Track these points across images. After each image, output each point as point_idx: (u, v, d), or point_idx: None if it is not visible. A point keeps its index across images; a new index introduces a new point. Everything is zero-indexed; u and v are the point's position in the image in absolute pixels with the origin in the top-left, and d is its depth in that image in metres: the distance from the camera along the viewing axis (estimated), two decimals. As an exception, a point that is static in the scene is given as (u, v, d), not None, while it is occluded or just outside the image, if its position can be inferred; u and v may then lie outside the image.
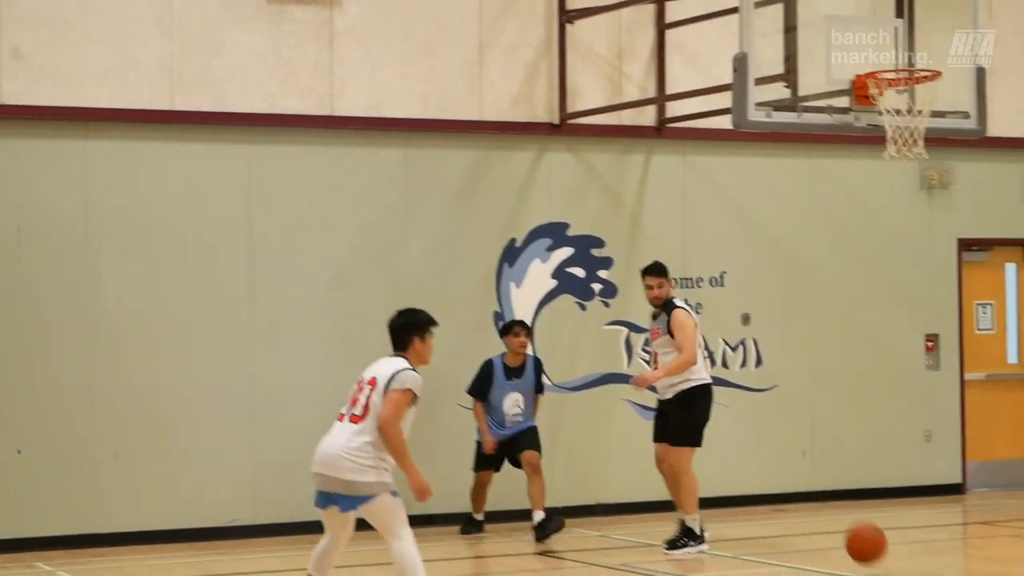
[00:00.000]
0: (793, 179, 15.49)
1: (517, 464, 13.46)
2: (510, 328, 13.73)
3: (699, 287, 15.10)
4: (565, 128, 14.55)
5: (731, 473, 15.16)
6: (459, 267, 14.31)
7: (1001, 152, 16.11)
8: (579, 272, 14.77)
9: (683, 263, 15.03)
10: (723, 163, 15.20)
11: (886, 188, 15.77)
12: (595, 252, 14.80)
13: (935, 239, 15.98)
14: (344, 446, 8.72)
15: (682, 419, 12.18)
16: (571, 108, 14.49)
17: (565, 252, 14.74)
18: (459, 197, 14.31)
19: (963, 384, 16.09)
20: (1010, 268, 16.53)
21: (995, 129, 15.47)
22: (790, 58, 11.92)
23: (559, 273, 14.72)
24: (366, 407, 8.81)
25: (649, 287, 12.58)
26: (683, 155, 15.06)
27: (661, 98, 14.64)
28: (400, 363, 8.97)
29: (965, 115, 12.45)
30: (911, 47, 12.11)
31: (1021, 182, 16.36)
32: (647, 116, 14.85)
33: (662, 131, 14.88)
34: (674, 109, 14.74)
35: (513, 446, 13.53)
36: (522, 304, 14.54)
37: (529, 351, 13.85)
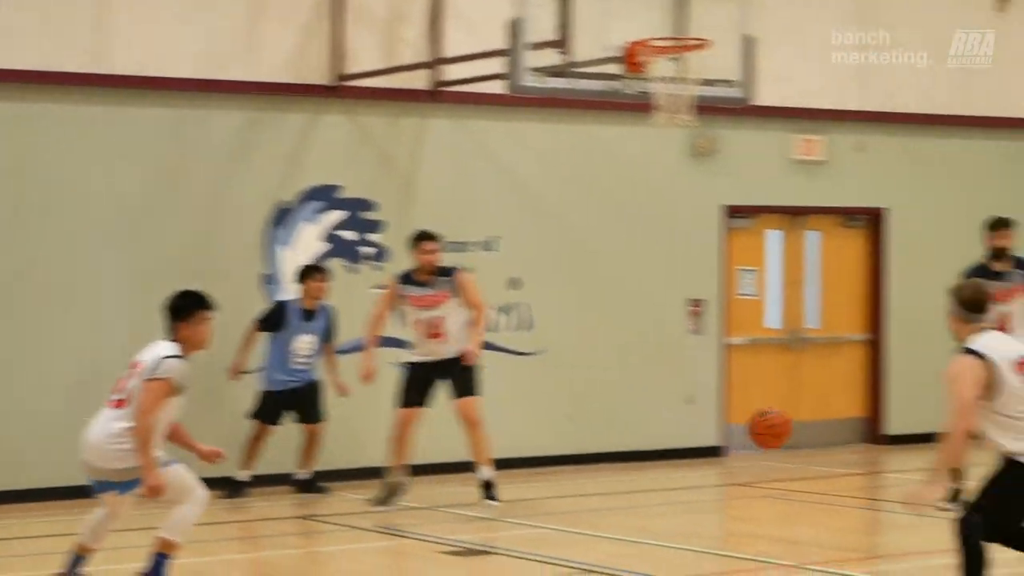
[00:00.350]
0: (565, 145, 15.64)
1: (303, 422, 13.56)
2: (310, 272, 13.69)
3: (471, 251, 15.17)
4: (340, 90, 14.46)
5: (498, 436, 15.25)
6: (229, 229, 14.15)
7: (766, 120, 16.46)
8: (350, 235, 14.73)
9: (455, 227, 15.06)
10: (497, 128, 15.27)
11: (655, 155, 16.00)
12: (367, 215, 14.76)
13: (701, 206, 16.28)
14: (106, 433, 8.53)
15: (471, 371, 12.49)
16: (346, 70, 14.40)
17: (337, 215, 14.68)
18: (231, 158, 14.14)
19: (725, 348, 16.44)
20: (772, 235, 16.93)
21: (761, 98, 15.83)
22: (564, 25, 12.00)
23: (329, 236, 14.65)
24: (130, 393, 8.58)
25: (432, 251, 12.62)
26: (457, 119, 15.09)
27: (436, 62, 14.62)
28: (168, 349, 8.66)
29: (732, 84, 12.68)
30: (682, 16, 12.29)
31: (785, 150, 16.75)
32: (422, 80, 14.84)
33: (437, 95, 14.88)
34: (449, 73, 14.74)
35: (297, 402, 13.50)
36: (291, 266, 14.44)
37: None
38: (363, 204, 14.76)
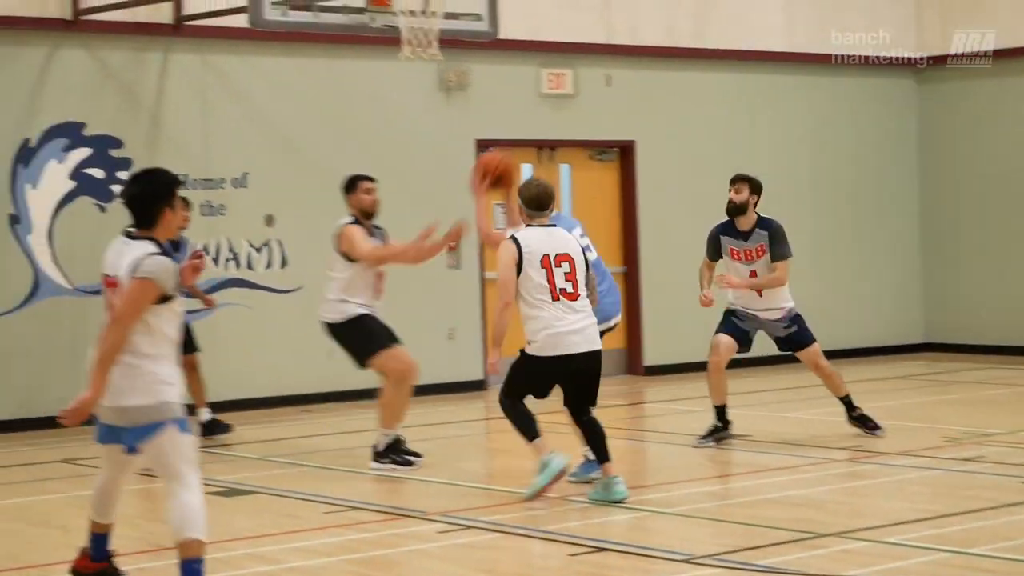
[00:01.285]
0: (313, 80, 15.49)
1: None
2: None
3: (222, 188, 14.97)
4: (79, 24, 14.10)
5: (258, 375, 15.18)
6: (-31, 168, 13.76)
7: (514, 54, 16.52)
8: (98, 173, 14.41)
9: (205, 164, 14.86)
10: (243, 63, 15.06)
11: (406, 90, 15.96)
12: (114, 153, 14.46)
13: (454, 139, 16.29)
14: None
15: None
16: (84, 4, 14.04)
17: (83, 152, 14.36)
18: (-34, 95, 13.75)
19: (484, 283, 16.52)
20: (525, 168, 17.00)
21: (508, 31, 15.89)
22: (305, -44, 11.88)
23: (77, 174, 14.32)
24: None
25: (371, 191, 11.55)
26: (202, 54, 14.84)
27: (176, -6, 14.35)
28: (146, 247, 6.86)
29: (479, 17, 12.68)
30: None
31: (534, 84, 16.83)
32: (164, 14, 14.53)
33: (180, 29, 14.60)
34: (191, 6, 14.48)
35: None
36: (39, 206, 14.12)
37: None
38: (109, 141, 14.45)
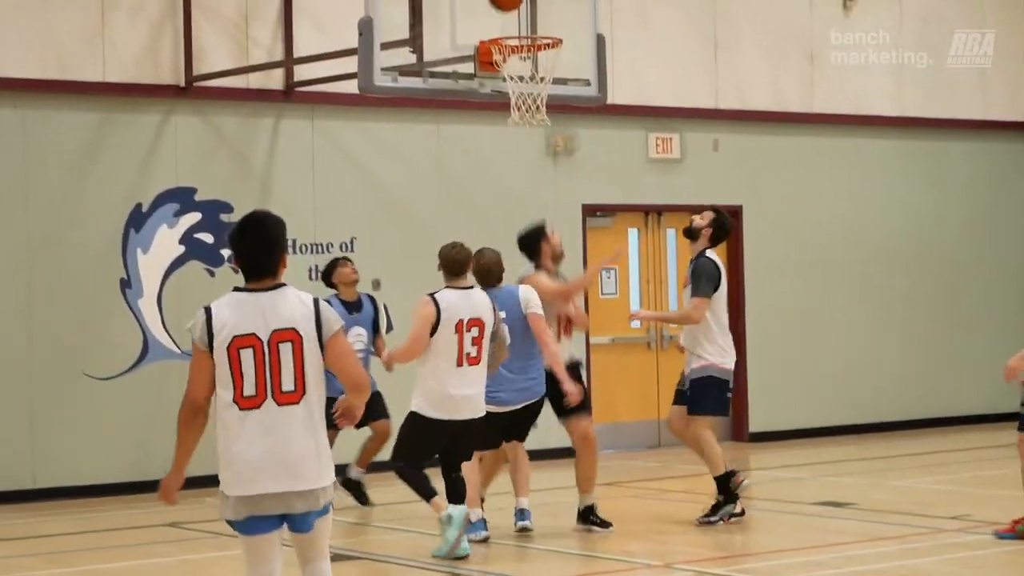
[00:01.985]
0: (421, 144, 15.58)
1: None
2: (335, 263, 13.01)
3: (329, 252, 15.06)
4: (191, 91, 14.30)
5: (360, 438, 15.19)
6: (83, 233, 13.94)
7: (622, 119, 16.53)
8: (207, 238, 14.56)
9: (313, 228, 14.97)
10: (351, 128, 15.18)
11: (513, 154, 16.01)
12: (224, 217, 14.60)
13: (561, 205, 16.29)
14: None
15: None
16: (197, 70, 14.24)
17: (193, 217, 14.51)
18: (82, 161, 13.94)
19: (588, 347, 16.46)
20: (632, 233, 17.00)
21: (615, 96, 15.92)
22: (416, 23, 11.92)
23: (187, 239, 14.48)
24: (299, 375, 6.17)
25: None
26: (312, 119, 14.99)
27: (288, 62, 14.51)
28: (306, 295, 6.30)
29: (587, 83, 12.68)
30: (533, 14, 12.27)
31: (641, 148, 16.83)
32: (275, 80, 14.72)
33: (290, 95, 14.77)
34: (302, 73, 14.65)
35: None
36: (149, 270, 14.27)
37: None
38: (220, 206, 14.60)
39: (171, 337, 14.25)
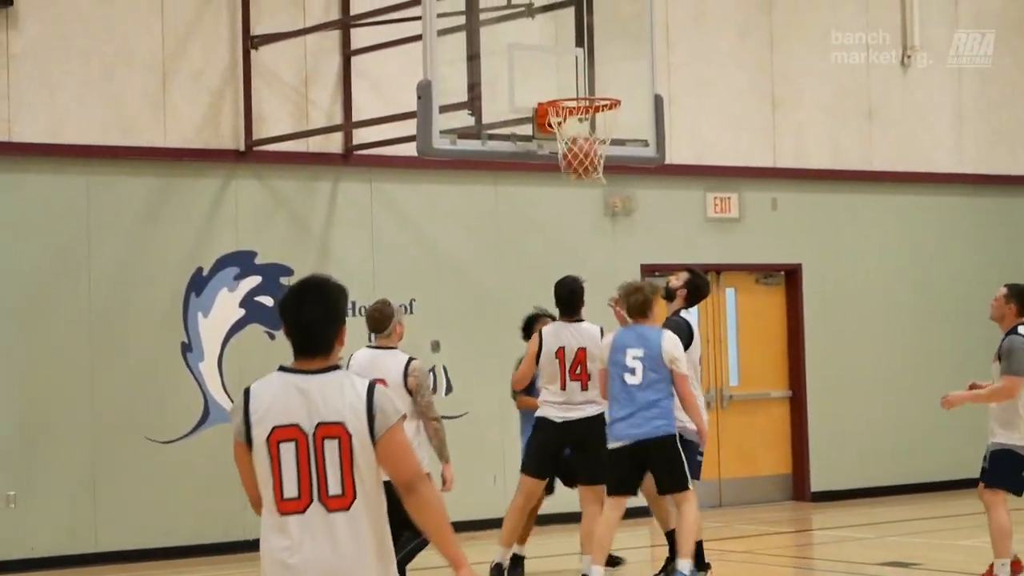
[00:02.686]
0: (479, 206, 15.62)
1: (572, 483, 11.91)
2: (535, 319, 12.55)
3: (380, 316, 15.07)
4: (251, 155, 14.40)
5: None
6: (145, 296, 14.03)
7: (680, 179, 16.52)
8: (268, 301, 14.62)
9: (372, 290, 14.98)
10: (410, 190, 15.24)
11: (571, 215, 16.01)
12: (284, 280, 14.66)
13: (620, 265, 16.25)
14: None
15: None
16: (257, 135, 14.35)
17: (253, 280, 14.58)
18: (144, 225, 14.05)
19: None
20: (691, 293, 16.93)
21: (673, 156, 15.92)
22: (474, 86, 11.99)
23: (247, 302, 14.55)
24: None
25: None
26: (370, 182, 15.06)
27: (347, 125, 14.60)
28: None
29: (645, 143, 12.68)
30: (591, 76, 12.30)
31: (699, 207, 16.80)
32: (334, 143, 14.81)
33: (349, 158, 14.85)
34: (360, 136, 14.73)
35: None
36: (210, 334, 14.33)
37: None
38: (279, 269, 14.66)
39: (231, 400, 14.30)
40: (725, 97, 16.84)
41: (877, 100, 17.72)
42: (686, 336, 11.32)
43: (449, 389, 15.43)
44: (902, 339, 17.80)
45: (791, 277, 17.39)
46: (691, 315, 11.94)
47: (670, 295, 11.74)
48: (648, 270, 16.50)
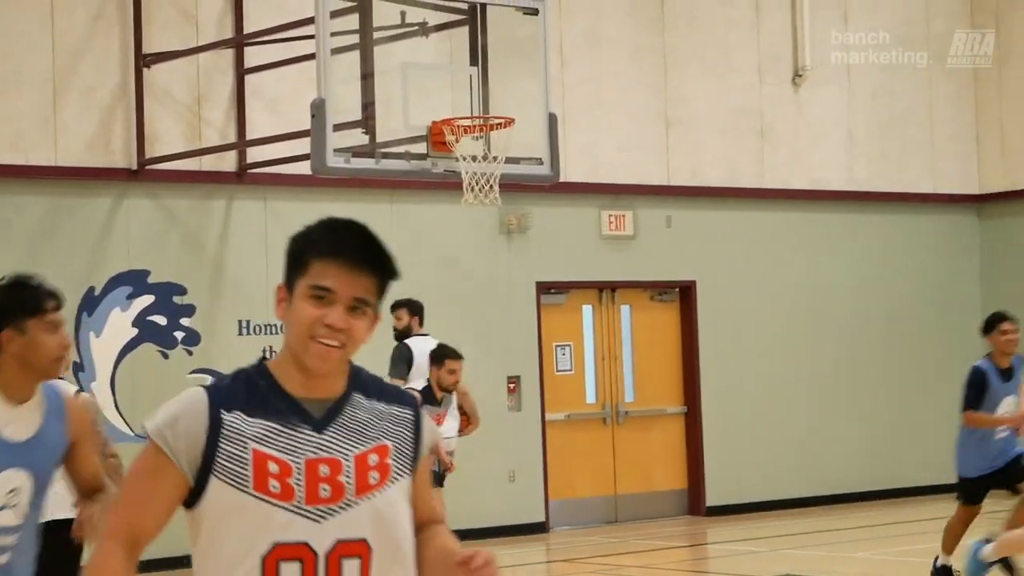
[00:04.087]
0: (373, 224, 15.15)
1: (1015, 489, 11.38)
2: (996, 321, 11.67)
3: (281, 332, 14.99)
4: (144, 174, 14.29)
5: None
6: (34, 317, 13.85)
7: (575, 197, 16.59)
8: (161, 320, 14.52)
9: (266, 310, 14.91)
10: (305, 208, 15.12)
11: (466, 232, 16.02)
12: (177, 300, 14.57)
13: (515, 283, 16.32)
14: None
15: None
16: (149, 153, 14.23)
17: (146, 300, 14.47)
18: (33, 245, 13.88)
19: (544, 424, 16.46)
20: (586, 310, 17.04)
21: (569, 174, 16.00)
22: (368, 104, 12.01)
23: (140, 321, 14.43)
24: None
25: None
26: (265, 200, 14.98)
27: (241, 144, 14.52)
28: None
29: (539, 161, 12.75)
30: (485, 94, 12.36)
31: (595, 225, 16.88)
32: (228, 162, 14.73)
33: (243, 177, 14.78)
34: (255, 155, 14.66)
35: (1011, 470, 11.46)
36: (102, 353, 14.20)
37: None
38: (173, 288, 14.56)
39: (124, 420, 14.17)
40: (620, 116, 16.93)
41: (769, 119, 17.90)
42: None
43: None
44: (796, 354, 17.96)
45: (685, 294, 17.51)
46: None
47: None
48: (544, 287, 16.56)
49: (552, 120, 12.75)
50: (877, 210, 18.59)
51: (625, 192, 16.98)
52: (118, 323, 14.31)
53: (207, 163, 14.57)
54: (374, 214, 15.49)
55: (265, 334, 14.82)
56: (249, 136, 14.58)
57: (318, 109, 11.62)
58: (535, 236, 16.46)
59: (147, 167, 14.25)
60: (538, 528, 16.35)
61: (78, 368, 14.01)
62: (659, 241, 17.22)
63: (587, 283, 16.90)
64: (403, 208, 15.65)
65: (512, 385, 16.29)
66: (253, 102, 14.76)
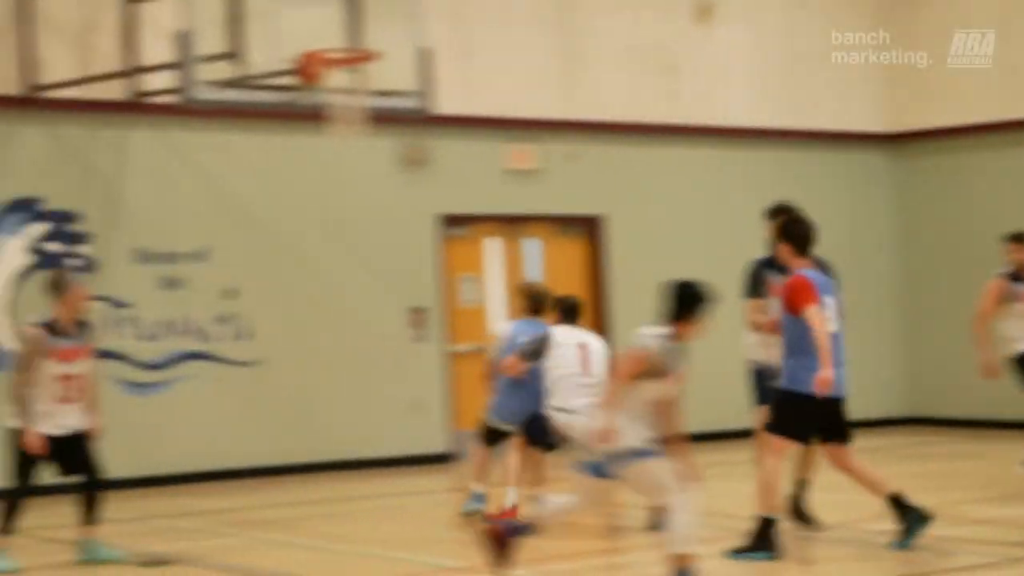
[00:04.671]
0: (273, 155, 15.68)
1: None
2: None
3: (183, 263, 15.18)
4: (35, 102, 14.38)
5: (219, 447, 15.33)
6: (-74, 243, 14.04)
7: (479, 131, 16.66)
8: (55, 247, 14.65)
9: (164, 239, 15.09)
10: (200, 139, 15.27)
11: (366, 166, 16.11)
12: (71, 227, 14.70)
13: (416, 215, 16.41)
14: None
15: None
16: (40, 80, 14.32)
17: (40, 227, 14.60)
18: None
19: (449, 356, 16.60)
20: (490, 243, 17.14)
21: (473, 108, 16.14)
22: (238, 36, 12.10)
23: (35, 249, 14.56)
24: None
25: None
26: (161, 129, 15.07)
27: (130, 71, 14.55)
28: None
29: (410, 94, 12.86)
30: (357, 28, 12.45)
31: (498, 160, 16.96)
32: (120, 90, 14.77)
33: (136, 106, 14.84)
34: (150, 84, 14.74)
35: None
36: (-8, 278, 14.38)
37: None
38: (67, 216, 14.70)
39: (17, 347, 14.34)
40: (524, 50, 16.96)
41: (678, 56, 17.92)
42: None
43: (245, 336, 15.55)
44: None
45: (593, 228, 17.59)
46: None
47: None
48: (447, 220, 16.63)
49: (423, 54, 12.84)
50: (785, 148, 18.65)
51: (529, 127, 17.04)
52: (12, 250, 14.45)
53: (99, 92, 14.63)
54: (271, 145, 15.65)
55: (162, 263, 14.99)
56: (141, 64, 14.60)
57: (183, 40, 11.75)
58: (438, 170, 16.53)
59: (37, 95, 14.33)
60: (442, 459, 16.53)
61: (-28, 294, 14.19)
62: (564, 175, 17.31)
63: (491, 216, 17.00)
64: (300, 140, 15.70)
65: (416, 317, 16.41)
66: (145, 30, 14.74)
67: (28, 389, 10.12)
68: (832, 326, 9.68)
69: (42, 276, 14.22)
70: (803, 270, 9.83)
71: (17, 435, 10.21)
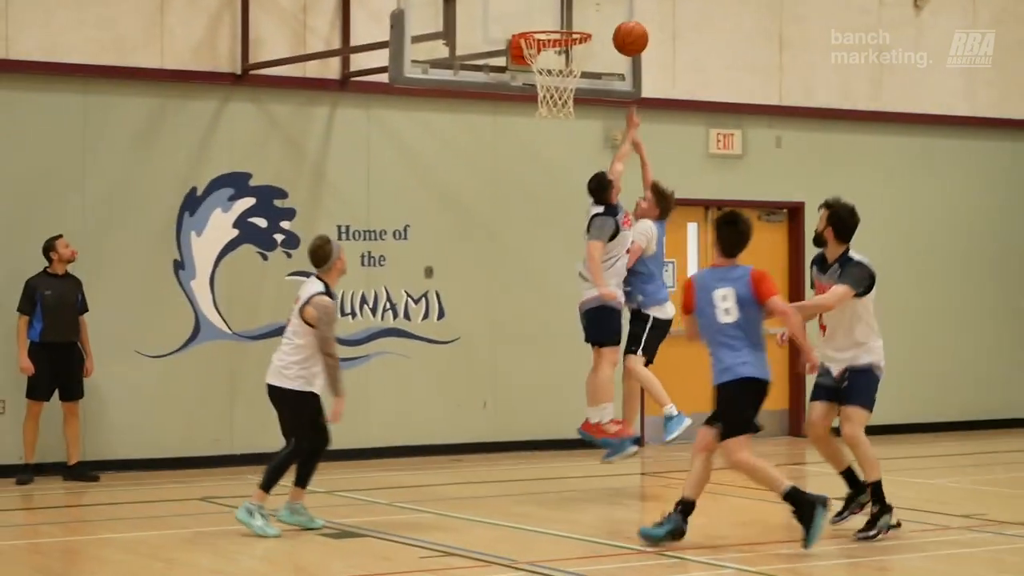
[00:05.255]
0: (477, 136, 15.75)
1: None
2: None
3: (383, 240, 15.32)
4: (248, 79, 14.62)
5: (412, 423, 15.46)
6: (138, 215, 14.33)
7: (683, 115, 16.56)
8: (261, 222, 14.88)
9: (367, 216, 15.24)
10: (407, 118, 15.40)
11: (571, 147, 16.10)
12: (278, 203, 14.92)
13: (620, 198, 16.30)
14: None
15: None
16: (254, 59, 14.55)
17: (247, 202, 14.84)
18: (139, 145, 14.33)
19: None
20: (691, 227, 17.04)
21: (678, 91, 16.04)
22: (449, 17, 12.13)
23: (241, 223, 14.80)
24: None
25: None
26: (367, 108, 15.23)
27: (344, 51, 14.75)
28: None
29: (621, 77, 12.78)
30: (569, 9, 12.40)
31: (703, 143, 16.84)
32: (331, 69, 14.98)
33: (346, 84, 15.03)
34: (358, 63, 14.89)
35: None
36: (203, 253, 14.63)
37: None
38: (274, 192, 14.91)
39: (222, 318, 14.60)
40: (731, 33, 16.82)
41: (890, 41, 17.64)
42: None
43: (441, 314, 15.65)
44: (905, 279, 17.73)
45: (794, 215, 17.42)
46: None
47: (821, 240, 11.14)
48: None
49: (635, 36, 12.73)
50: (996, 136, 18.27)
51: (734, 111, 16.90)
52: (219, 224, 14.71)
53: (311, 70, 14.85)
54: (476, 125, 15.71)
55: (362, 240, 15.13)
56: (352, 44, 14.79)
57: (397, 20, 11.81)
58: (642, 153, 16.42)
59: (251, 72, 14.57)
60: (634, 443, 16.39)
61: (179, 266, 14.46)
62: (767, 161, 17.14)
63: (694, 200, 16.88)
64: (506, 120, 15.78)
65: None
66: (358, 11, 14.97)
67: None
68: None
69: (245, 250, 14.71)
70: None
71: (309, 398, 10.57)
